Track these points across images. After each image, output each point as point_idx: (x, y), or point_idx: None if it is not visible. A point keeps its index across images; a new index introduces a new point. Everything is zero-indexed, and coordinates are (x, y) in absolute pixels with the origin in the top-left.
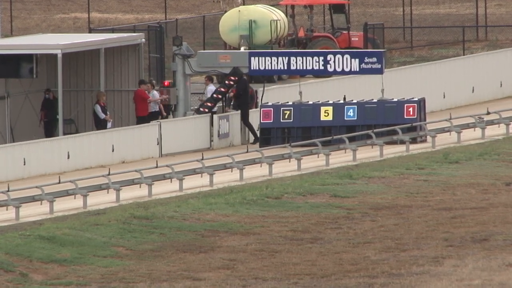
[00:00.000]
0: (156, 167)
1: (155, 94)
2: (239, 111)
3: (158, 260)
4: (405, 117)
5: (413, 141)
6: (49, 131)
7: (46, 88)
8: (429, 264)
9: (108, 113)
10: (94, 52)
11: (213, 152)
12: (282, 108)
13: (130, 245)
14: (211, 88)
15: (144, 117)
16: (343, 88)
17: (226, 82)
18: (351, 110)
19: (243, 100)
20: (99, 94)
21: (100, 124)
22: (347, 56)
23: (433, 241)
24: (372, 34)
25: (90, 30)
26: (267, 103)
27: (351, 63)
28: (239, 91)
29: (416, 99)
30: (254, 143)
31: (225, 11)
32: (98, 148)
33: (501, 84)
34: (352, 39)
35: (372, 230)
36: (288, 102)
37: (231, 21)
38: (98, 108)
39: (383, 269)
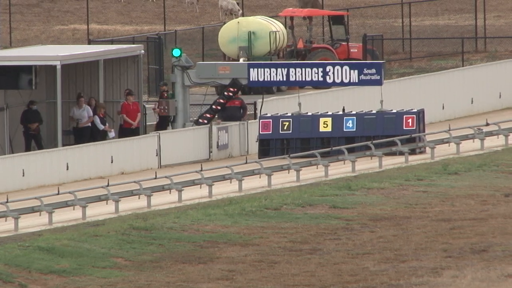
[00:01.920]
0: (155, 178)
1: (87, 110)
2: (238, 122)
3: (157, 271)
4: (404, 128)
5: (412, 152)
6: (38, 144)
7: (30, 100)
8: (428, 275)
9: (107, 124)
10: (93, 63)
11: (212, 163)
12: (281, 119)
13: (129, 256)
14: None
15: (125, 129)
16: (342, 99)
17: (225, 93)
18: (350, 121)
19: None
20: (99, 105)
21: (99, 136)
22: (346, 67)
23: (432, 252)
24: (371, 45)
25: (89, 42)
26: (266, 114)
27: (350, 75)
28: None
29: (415, 110)
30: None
31: (224, 23)
32: (97, 159)
33: (500, 95)
34: (351, 50)
35: (371, 241)
36: (287, 113)
37: (230, 32)
38: (97, 120)
39: (382, 280)
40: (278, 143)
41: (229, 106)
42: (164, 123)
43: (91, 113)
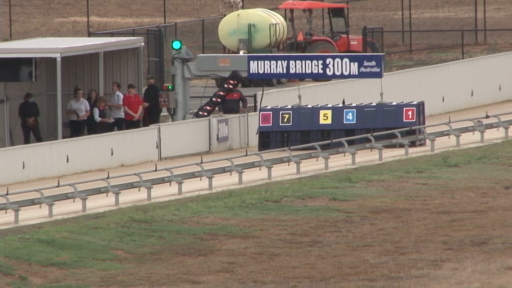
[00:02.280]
0: (155, 170)
1: (85, 103)
2: (238, 115)
3: (157, 264)
4: (404, 120)
5: (412, 144)
6: (37, 136)
7: (27, 93)
8: (428, 267)
9: (107, 116)
10: (93, 56)
11: (212, 155)
12: (281, 112)
13: (129, 249)
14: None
15: (127, 121)
16: (342, 91)
17: (225, 85)
18: (350, 114)
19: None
20: (100, 98)
21: (98, 128)
22: (346, 59)
23: (432, 245)
24: (371, 37)
25: (89, 34)
26: (266, 106)
27: (350, 67)
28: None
29: (415, 102)
30: None
31: (224, 15)
32: (97, 151)
33: (500, 88)
34: (351, 42)
35: (371, 233)
36: (287, 106)
37: (230, 25)
38: (96, 112)
39: (382, 272)
40: (278, 135)
41: (227, 99)
42: (152, 115)
43: (88, 107)
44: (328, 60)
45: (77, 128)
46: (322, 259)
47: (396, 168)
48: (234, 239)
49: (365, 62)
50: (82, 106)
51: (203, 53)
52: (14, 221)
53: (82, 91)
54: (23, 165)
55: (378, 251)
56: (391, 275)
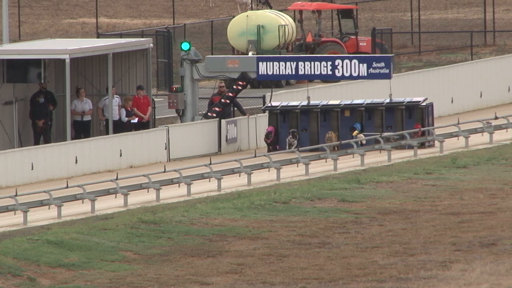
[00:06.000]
0: (164, 171)
1: (88, 103)
2: (246, 116)
3: (166, 265)
4: None
5: (421, 146)
6: (46, 139)
7: (35, 93)
8: (437, 268)
9: (132, 115)
10: (102, 57)
11: (221, 156)
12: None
13: (138, 250)
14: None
15: (136, 122)
16: (351, 93)
17: (234, 87)
18: None
19: None
20: (126, 98)
21: (125, 128)
22: (355, 61)
23: (441, 246)
24: (380, 39)
25: (98, 35)
26: None
27: (359, 68)
28: None
29: (424, 104)
30: None
31: (233, 16)
32: (106, 152)
33: (509, 89)
34: (360, 44)
35: (380, 234)
36: None
37: (239, 26)
38: (122, 112)
39: (391, 274)
40: None
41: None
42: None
43: (92, 106)
44: (337, 61)
45: (82, 128)
46: (331, 260)
47: (405, 169)
48: (243, 240)
49: (374, 63)
50: (86, 106)
51: (212, 54)
52: (22, 222)
53: (91, 92)
54: (32, 166)
55: (386, 252)
56: (399, 276)
